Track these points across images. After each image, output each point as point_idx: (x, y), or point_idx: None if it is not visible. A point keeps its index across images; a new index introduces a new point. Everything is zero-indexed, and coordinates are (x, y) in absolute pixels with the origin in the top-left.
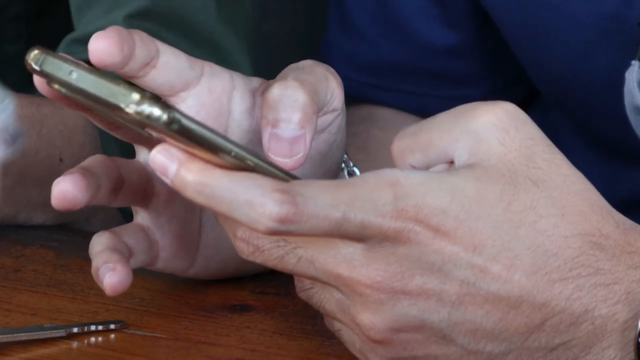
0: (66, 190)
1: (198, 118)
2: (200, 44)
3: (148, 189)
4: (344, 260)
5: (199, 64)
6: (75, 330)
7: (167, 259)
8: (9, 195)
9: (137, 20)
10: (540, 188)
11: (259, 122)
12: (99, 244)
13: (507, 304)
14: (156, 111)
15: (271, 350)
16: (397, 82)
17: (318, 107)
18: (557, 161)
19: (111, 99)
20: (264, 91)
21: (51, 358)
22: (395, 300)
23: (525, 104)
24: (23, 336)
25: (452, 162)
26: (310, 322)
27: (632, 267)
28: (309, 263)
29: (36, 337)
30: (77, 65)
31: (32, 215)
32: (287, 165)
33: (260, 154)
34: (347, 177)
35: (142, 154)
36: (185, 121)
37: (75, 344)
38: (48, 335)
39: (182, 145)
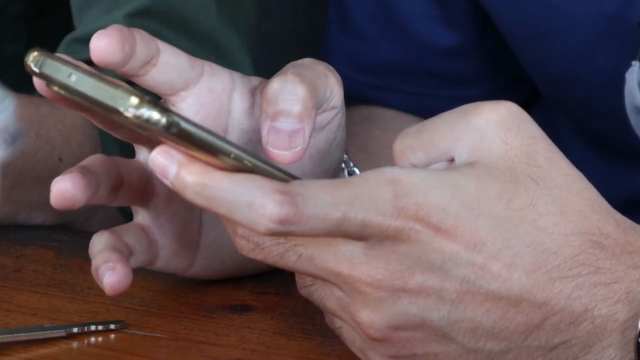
0: (65, 189)
1: (198, 117)
2: (200, 43)
3: (148, 188)
4: (344, 259)
5: (199, 63)
6: (75, 330)
7: (167, 258)
8: (9, 195)
9: (138, 19)
10: (541, 186)
11: (259, 121)
12: (99, 243)
13: (507, 302)
14: (155, 115)
15: (271, 350)
16: (397, 83)
17: (317, 103)
18: (558, 160)
19: (110, 103)
20: (264, 87)
21: (51, 358)
22: (395, 299)
23: (527, 105)
24: (23, 336)
25: (452, 160)
26: (310, 322)
27: (632, 266)
28: (309, 261)
29: (36, 337)
30: (76, 67)
31: (32, 215)
32: (285, 158)
33: (259, 155)
34: (347, 177)
35: (142, 154)
36: (184, 124)
37: (75, 344)
38: (48, 335)
39: (181, 148)
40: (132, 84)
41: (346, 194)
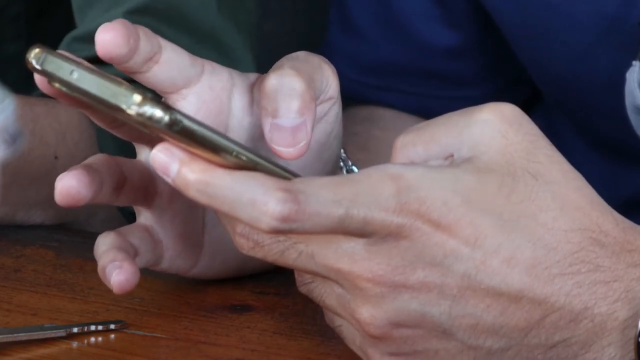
0: (70, 186)
1: (199, 115)
2: (201, 40)
3: (150, 188)
4: (345, 255)
5: (199, 61)
6: (75, 330)
7: (172, 258)
8: (6, 195)
9: (137, 16)
10: (539, 182)
11: (259, 118)
12: (104, 243)
13: (507, 298)
14: (158, 113)
15: (271, 350)
16: (397, 83)
17: (315, 95)
18: (557, 158)
19: (112, 100)
20: (261, 83)
21: (51, 358)
22: (396, 294)
23: (527, 105)
24: (23, 336)
25: (451, 156)
26: (310, 322)
27: (631, 265)
28: (310, 258)
29: (36, 337)
30: (78, 64)
31: (31, 215)
32: (291, 154)
33: (261, 153)
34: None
35: (144, 153)
36: (186, 122)
37: (75, 344)
38: (48, 335)
39: (184, 146)
40: (133, 82)
41: (348, 191)
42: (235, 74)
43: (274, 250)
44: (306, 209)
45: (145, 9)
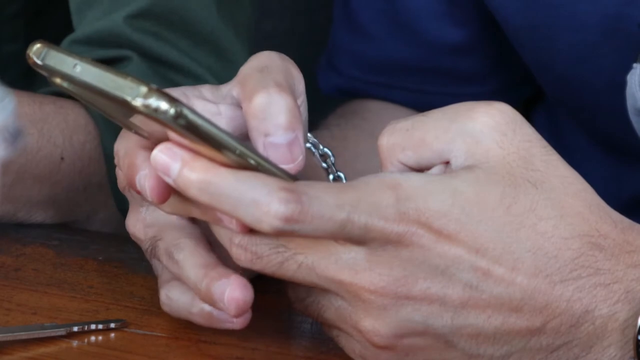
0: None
1: None
2: (200, 43)
3: None
4: (346, 266)
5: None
6: (75, 329)
7: None
8: (9, 193)
9: (138, 20)
10: (539, 190)
11: (251, 137)
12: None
13: (508, 307)
14: (163, 105)
15: (271, 349)
16: (402, 80)
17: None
18: (554, 162)
19: (118, 93)
20: (248, 104)
21: (51, 357)
22: (399, 306)
23: (531, 102)
24: (23, 335)
25: (447, 163)
26: (310, 322)
27: (631, 265)
28: (310, 269)
29: (36, 336)
30: (81, 58)
31: (32, 213)
32: (291, 170)
33: (262, 154)
34: (332, 181)
35: None
36: (192, 116)
37: (75, 343)
38: (48, 334)
39: (186, 142)
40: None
41: (350, 196)
42: (207, 93)
43: (273, 262)
44: (309, 210)
45: (145, 13)
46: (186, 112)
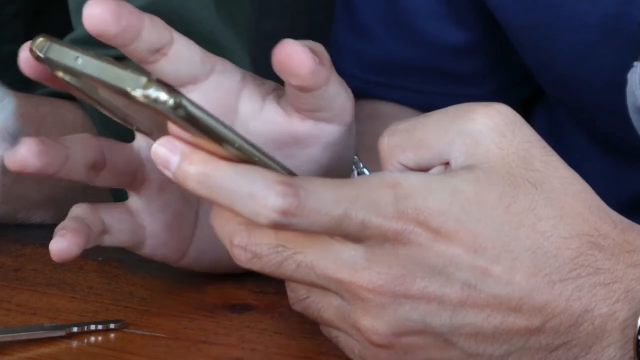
0: (18, 151)
1: None
2: (200, 43)
3: (139, 175)
4: (346, 265)
5: (211, 60)
6: (75, 330)
7: (156, 246)
8: (9, 194)
9: None
10: (539, 190)
11: (267, 127)
12: (72, 212)
13: (508, 306)
14: (163, 96)
15: (271, 350)
16: (404, 81)
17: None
18: (554, 163)
19: (118, 84)
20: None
21: (51, 358)
22: (398, 305)
23: (530, 102)
24: (23, 336)
25: (447, 164)
26: (310, 322)
27: (631, 265)
28: (309, 269)
29: (36, 337)
30: (83, 51)
31: (32, 214)
32: (301, 71)
33: (263, 149)
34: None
35: (139, 141)
36: (191, 108)
37: (75, 344)
38: (48, 335)
39: (185, 134)
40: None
41: (349, 193)
42: (249, 78)
43: (272, 262)
44: (307, 205)
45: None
46: (186, 103)
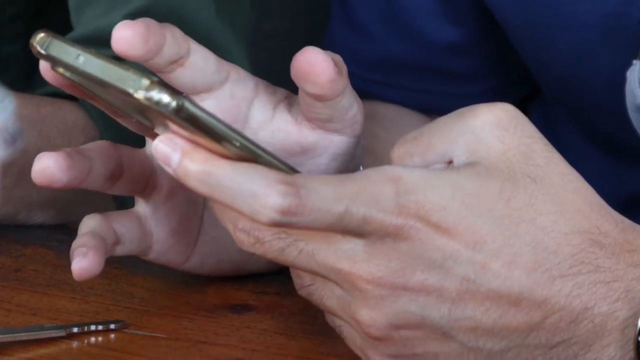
0: (46, 166)
1: None
2: (199, 43)
3: (150, 181)
4: (345, 256)
5: (226, 68)
6: (75, 330)
7: (161, 251)
8: (9, 195)
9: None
10: (539, 185)
11: (277, 135)
12: (86, 226)
13: (507, 301)
14: (165, 98)
15: (271, 350)
16: (401, 79)
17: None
18: (555, 159)
19: (120, 84)
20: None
21: (51, 358)
22: (396, 297)
23: (526, 102)
24: (23, 336)
25: (450, 162)
26: (310, 322)
27: (631, 265)
28: (310, 257)
29: (36, 337)
30: (85, 49)
31: (32, 215)
32: (320, 79)
33: (265, 148)
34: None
35: (150, 147)
36: (193, 109)
37: (75, 344)
38: (48, 335)
39: (187, 134)
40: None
41: (349, 189)
42: (262, 85)
43: (274, 247)
44: (307, 203)
45: (145, 13)
46: (187, 105)
